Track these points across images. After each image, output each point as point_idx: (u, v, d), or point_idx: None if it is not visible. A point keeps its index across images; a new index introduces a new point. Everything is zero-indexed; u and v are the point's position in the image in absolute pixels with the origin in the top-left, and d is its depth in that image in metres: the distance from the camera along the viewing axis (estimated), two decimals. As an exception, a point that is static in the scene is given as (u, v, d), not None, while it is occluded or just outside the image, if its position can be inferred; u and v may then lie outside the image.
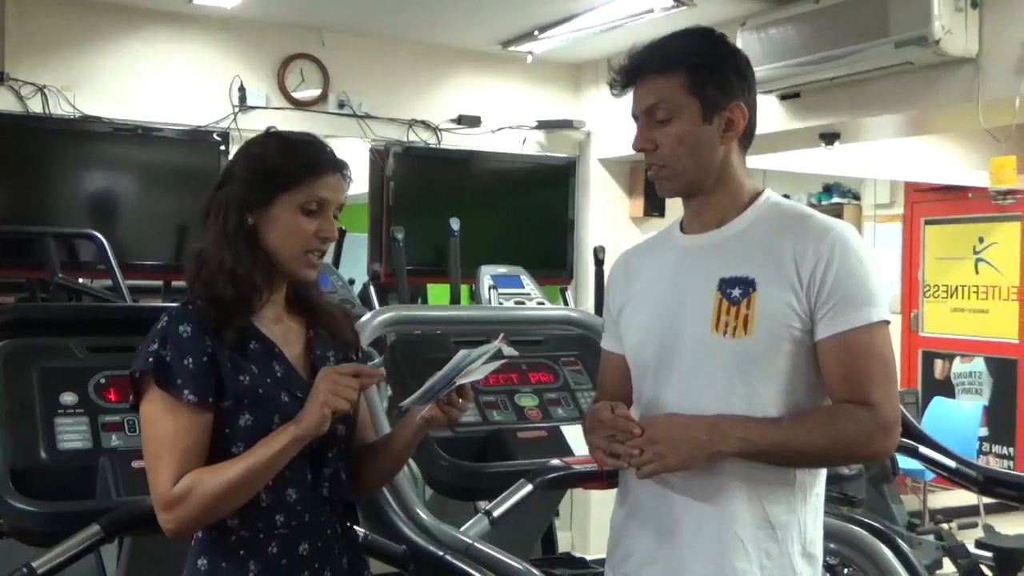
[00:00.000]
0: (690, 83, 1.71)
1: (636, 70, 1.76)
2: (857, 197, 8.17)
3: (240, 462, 1.63)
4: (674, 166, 1.74)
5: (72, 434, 2.26)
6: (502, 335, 1.78)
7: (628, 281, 1.88)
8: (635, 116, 1.78)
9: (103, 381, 2.35)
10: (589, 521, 5.73)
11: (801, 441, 1.64)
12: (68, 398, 2.31)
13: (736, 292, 1.68)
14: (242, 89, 5.13)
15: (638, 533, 1.78)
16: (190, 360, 1.64)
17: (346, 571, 1.78)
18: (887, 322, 1.68)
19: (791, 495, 1.70)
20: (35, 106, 4.73)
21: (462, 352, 1.73)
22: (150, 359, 1.64)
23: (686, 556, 1.70)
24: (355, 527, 1.89)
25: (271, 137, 1.83)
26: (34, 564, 1.95)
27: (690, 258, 1.78)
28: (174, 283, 4.87)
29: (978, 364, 7.46)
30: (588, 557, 4.22)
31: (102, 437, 2.27)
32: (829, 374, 1.67)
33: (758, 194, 1.79)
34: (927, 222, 7.82)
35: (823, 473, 1.77)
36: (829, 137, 4.90)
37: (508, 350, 1.75)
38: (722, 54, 1.77)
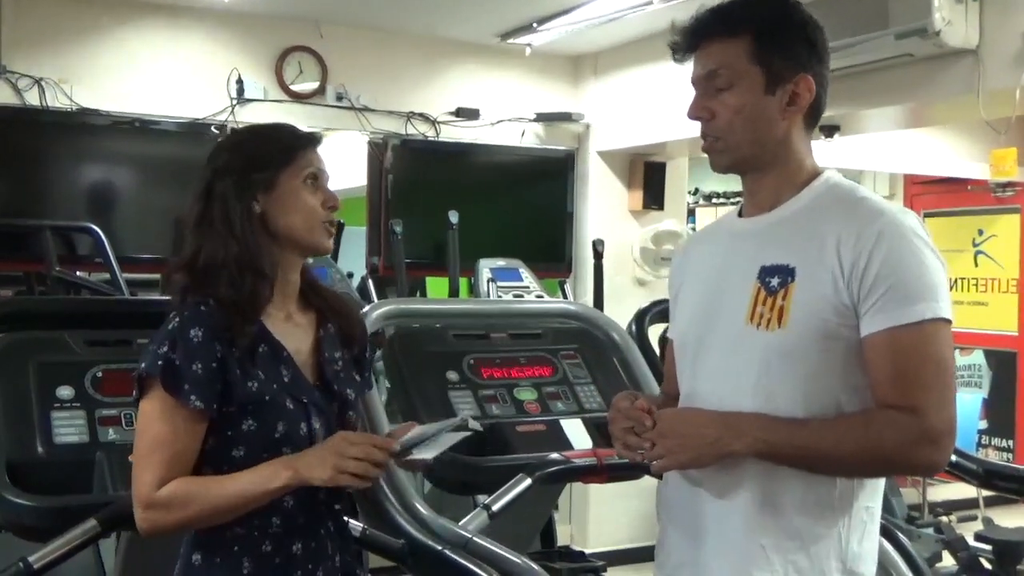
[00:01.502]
0: (755, 50, 1.59)
1: (698, 33, 1.63)
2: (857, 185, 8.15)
3: (231, 487, 1.62)
4: (729, 139, 1.62)
5: (69, 428, 2.26)
6: (468, 413, 1.78)
7: (683, 266, 1.80)
8: (694, 83, 1.65)
9: (100, 375, 2.35)
10: (588, 515, 5.73)
11: (828, 446, 1.51)
12: (65, 392, 2.31)
13: (775, 281, 1.57)
14: (240, 82, 5.11)
15: (673, 533, 1.72)
16: (199, 366, 1.62)
17: (339, 570, 1.77)
18: (946, 320, 1.50)
19: (828, 506, 1.56)
20: (32, 99, 4.71)
21: (421, 428, 1.72)
22: (159, 362, 1.62)
23: (711, 561, 1.62)
24: (351, 523, 1.89)
25: (240, 131, 1.85)
26: (31, 559, 1.95)
27: (738, 244, 1.67)
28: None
29: (977, 357, 7.45)
30: (587, 550, 4.22)
31: (99, 431, 2.27)
32: (874, 375, 1.52)
33: (817, 175, 1.66)
34: (927, 214, 7.79)
35: (875, 484, 1.62)
36: (829, 129, 4.88)
37: (473, 424, 1.74)
38: (793, 21, 1.63)
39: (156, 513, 1.62)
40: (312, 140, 1.79)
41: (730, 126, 1.61)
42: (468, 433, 1.73)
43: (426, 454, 1.71)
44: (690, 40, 1.65)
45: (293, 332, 1.77)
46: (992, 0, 3.80)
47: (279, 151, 1.73)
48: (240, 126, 4.93)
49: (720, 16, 1.63)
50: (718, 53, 1.62)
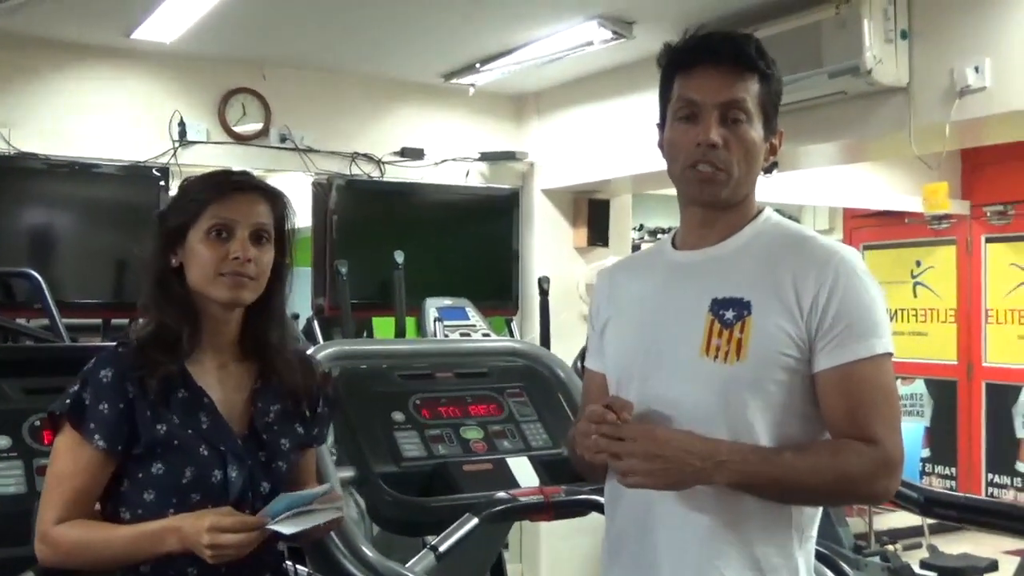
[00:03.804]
0: (760, 92, 1.63)
1: (715, 55, 1.62)
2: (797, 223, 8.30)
3: (120, 543, 1.63)
4: (732, 171, 1.62)
5: (6, 479, 2.21)
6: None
7: (612, 296, 1.78)
8: (693, 102, 1.62)
9: (38, 424, 2.30)
10: (540, 553, 5.70)
11: (801, 476, 1.52)
12: (2, 442, 2.26)
13: (729, 314, 1.58)
14: (182, 124, 5.07)
15: (619, 571, 1.68)
16: (106, 406, 1.64)
17: None
18: (891, 353, 1.57)
19: (786, 537, 1.58)
20: (-31, 144, 4.65)
21: (289, 498, 1.65)
22: (67, 400, 1.66)
23: None
24: (299, 569, 1.87)
25: (196, 176, 1.84)
26: (-33, 614, 1.90)
27: (681, 275, 1.67)
28: (113, 321, 4.79)
29: (919, 386, 7.58)
30: (538, 589, 4.20)
31: (36, 481, 2.22)
32: (830, 408, 1.56)
33: (759, 212, 1.71)
34: (865, 247, 7.96)
35: (819, 512, 1.65)
36: (767, 166, 4.97)
37: (349, 513, 1.71)
38: (778, 75, 1.68)
39: (48, 548, 1.66)
40: (236, 189, 1.75)
41: (737, 160, 1.62)
42: (339, 515, 1.68)
43: (288, 528, 1.61)
44: (695, 58, 1.63)
45: (225, 381, 1.76)
46: (921, 40, 3.91)
47: (191, 203, 1.74)
48: (181, 169, 4.91)
49: (737, 47, 1.64)
50: (739, 85, 1.62)
